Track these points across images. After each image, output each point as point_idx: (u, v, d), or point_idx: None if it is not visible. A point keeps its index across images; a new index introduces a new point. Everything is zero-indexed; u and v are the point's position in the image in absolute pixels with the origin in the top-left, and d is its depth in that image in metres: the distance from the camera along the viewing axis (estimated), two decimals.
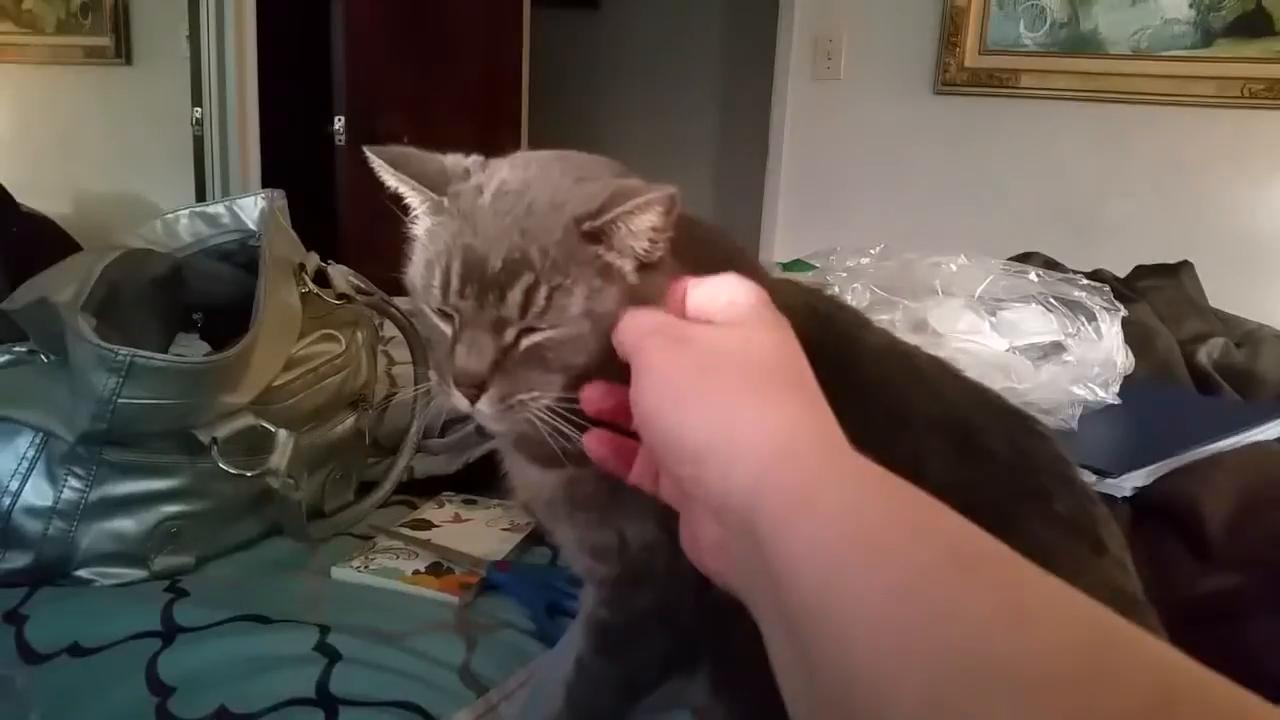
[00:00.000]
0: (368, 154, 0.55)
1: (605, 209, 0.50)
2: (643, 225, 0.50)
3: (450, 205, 0.52)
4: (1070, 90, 2.61)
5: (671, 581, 0.58)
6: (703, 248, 0.57)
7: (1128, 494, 1.06)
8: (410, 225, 0.55)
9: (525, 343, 0.50)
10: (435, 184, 0.54)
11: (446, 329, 0.52)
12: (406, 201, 0.55)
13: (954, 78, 2.73)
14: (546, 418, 0.51)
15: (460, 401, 0.52)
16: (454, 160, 0.56)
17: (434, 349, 0.55)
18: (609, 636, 0.62)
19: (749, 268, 0.61)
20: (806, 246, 1.72)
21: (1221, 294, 1.81)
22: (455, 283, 0.50)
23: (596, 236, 0.50)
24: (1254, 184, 2.49)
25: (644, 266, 0.51)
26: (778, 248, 2.92)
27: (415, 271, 0.53)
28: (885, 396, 0.57)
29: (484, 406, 0.51)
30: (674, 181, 0.51)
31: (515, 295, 0.49)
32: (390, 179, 0.54)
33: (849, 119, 2.91)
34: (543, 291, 0.49)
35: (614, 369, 0.49)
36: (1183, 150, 2.53)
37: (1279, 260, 2.47)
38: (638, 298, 0.50)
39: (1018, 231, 2.35)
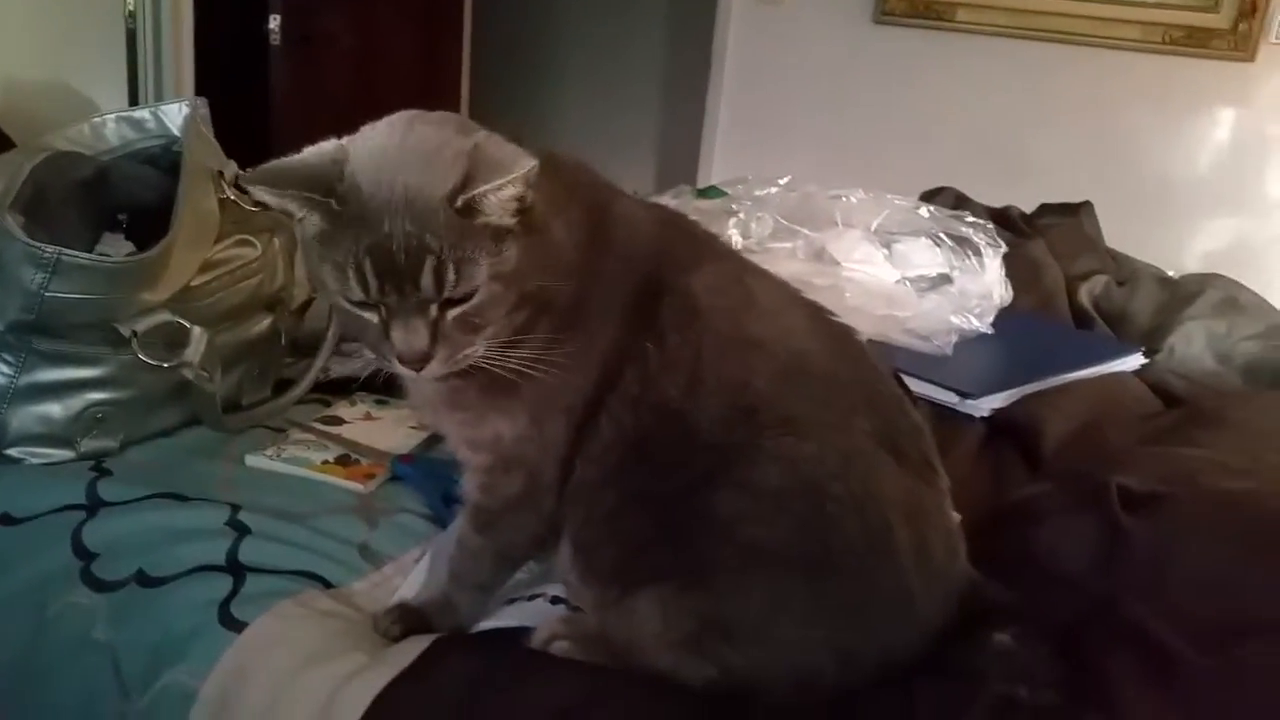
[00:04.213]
0: (245, 184, 0.63)
1: (466, 185, 0.57)
2: (505, 195, 0.58)
3: (339, 209, 0.57)
4: (1003, 26, 2.67)
5: (539, 469, 0.68)
6: (575, 192, 0.66)
7: (985, 414, 1.17)
8: (298, 223, 0.60)
9: (451, 314, 0.59)
10: (322, 187, 0.57)
11: (371, 316, 0.60)
12: (289, 210, 0.59)
13: (893, 8, 2.77)
14: (487, 362, 0.61)
15: (407, 372, 0.60)
16: (316, 154, 0.60)
17: (362, 334, 0.62)
18: (484, 517, 0.72)
19: (610, 197, 0.70)
20: (746, 169, 1.77)
21: (1126, 233, 1.90)
22: (373, 282, 0.57)
23: (470, 209, 0.57)
24: (1166, 129, 2.59)
25: (520, 212, 0.60)
26: (716, 171, 2.97)
27: (325, 274, 0.59)
28: (722, 318, 0.67)
29: (431, 373, 0.60)
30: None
31: (426, 279, 0.57)
32: (273, 199, 0.58)
33: (791, 43, 2.93)
34: (450, 268, 0.57)
35: (534, 309, 0.60)
36: (1104, 91, 2.62)
37: (1185, 203, 2.59)
38: (520, 242, 0.59)
39: (946, 163, 2.43)
